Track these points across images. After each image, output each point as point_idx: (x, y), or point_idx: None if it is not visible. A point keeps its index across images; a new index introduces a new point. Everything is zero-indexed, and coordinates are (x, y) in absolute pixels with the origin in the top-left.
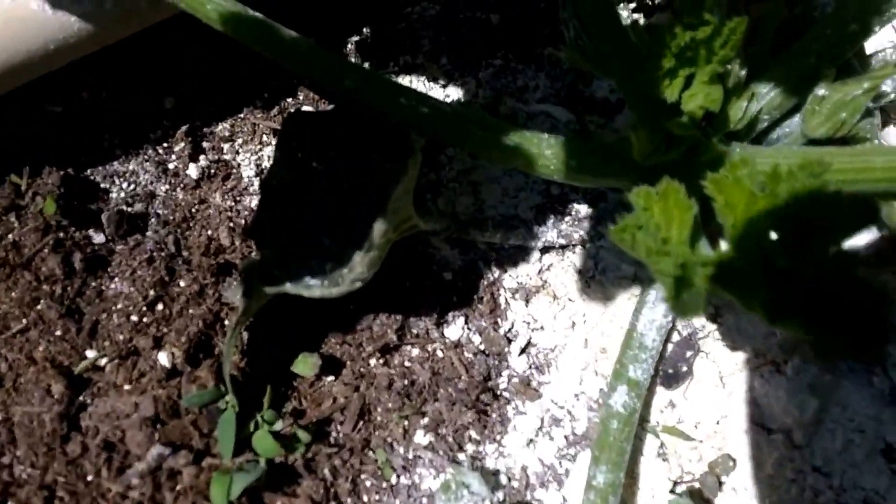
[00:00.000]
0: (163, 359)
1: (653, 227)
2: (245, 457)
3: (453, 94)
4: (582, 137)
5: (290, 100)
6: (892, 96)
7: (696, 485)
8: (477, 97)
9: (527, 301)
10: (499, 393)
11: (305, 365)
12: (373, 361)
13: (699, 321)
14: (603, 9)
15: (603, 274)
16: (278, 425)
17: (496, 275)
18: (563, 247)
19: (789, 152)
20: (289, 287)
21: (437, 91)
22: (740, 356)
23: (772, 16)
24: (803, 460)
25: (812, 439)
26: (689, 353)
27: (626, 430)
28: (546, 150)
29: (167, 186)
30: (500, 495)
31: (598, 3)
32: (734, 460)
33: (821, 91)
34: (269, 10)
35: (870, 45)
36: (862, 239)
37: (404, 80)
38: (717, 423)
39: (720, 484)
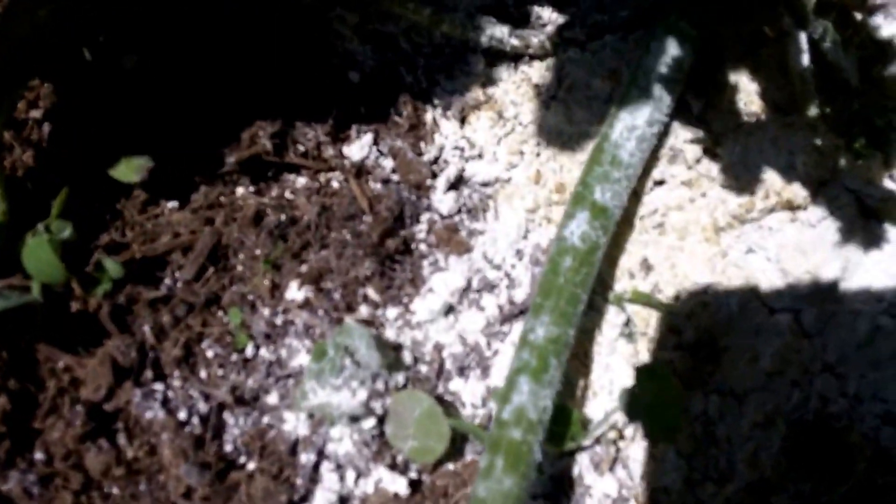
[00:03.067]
0: None
1: None
2: (10, 280)
3: None
4: None
5: None
6: None
7: None
8: None
9: (462, 120)
10: (413, 243)
11: (129, 167)
12: (240, 190)
13: (691, 151)
14: None
15: (568, 93)
16: (86, 256)
17: (423, 84)
18: (517, 56)
19: None
20: None
21: None
22: (741, 200)
23: None
24: (813, 355)
25: (827, 325)
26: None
27: (582, 272)
28: None
29: None
30: (399, 378)
31: None
32: (722, 349)
33: None
34: None
35: None
36: None
37: None
38: (705, 292)
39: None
